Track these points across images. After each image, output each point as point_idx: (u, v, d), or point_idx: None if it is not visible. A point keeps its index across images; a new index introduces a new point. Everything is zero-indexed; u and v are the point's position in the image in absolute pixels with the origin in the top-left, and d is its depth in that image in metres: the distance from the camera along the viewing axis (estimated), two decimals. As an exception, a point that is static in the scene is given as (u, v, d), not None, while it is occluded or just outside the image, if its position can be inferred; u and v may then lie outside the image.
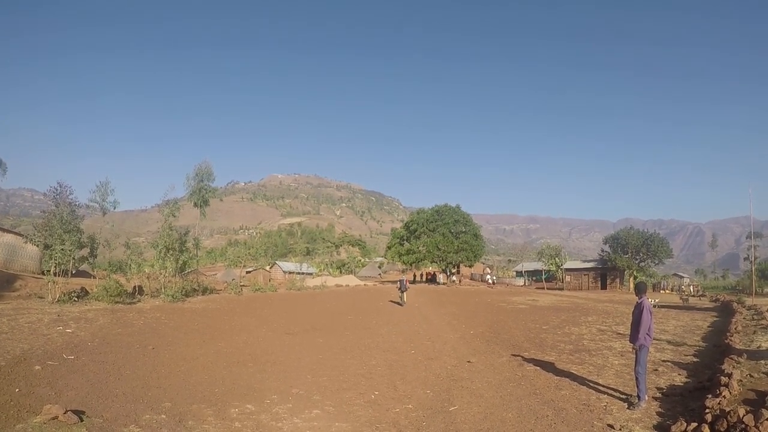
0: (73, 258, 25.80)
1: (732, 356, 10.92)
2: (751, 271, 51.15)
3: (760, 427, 6.17)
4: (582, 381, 10.82)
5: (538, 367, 12.33)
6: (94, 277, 32.91)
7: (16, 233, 42.99)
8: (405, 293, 31.18)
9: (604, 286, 64.96)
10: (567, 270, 69.94)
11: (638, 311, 9.35)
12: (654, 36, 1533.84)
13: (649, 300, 10.15)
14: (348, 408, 9.46)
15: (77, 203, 27.89)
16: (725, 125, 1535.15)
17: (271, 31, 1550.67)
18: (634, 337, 9.35)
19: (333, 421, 8.63)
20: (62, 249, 24.27)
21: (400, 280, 32.80)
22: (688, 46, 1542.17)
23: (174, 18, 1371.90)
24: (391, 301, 32.81)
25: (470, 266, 71.13)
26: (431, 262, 65.30)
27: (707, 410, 7.28)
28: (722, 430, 6.58)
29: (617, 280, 65.21)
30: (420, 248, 63.17)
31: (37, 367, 10.20)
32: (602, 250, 71.37)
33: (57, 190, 26.77)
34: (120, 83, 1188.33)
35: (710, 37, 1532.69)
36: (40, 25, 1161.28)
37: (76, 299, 23.37)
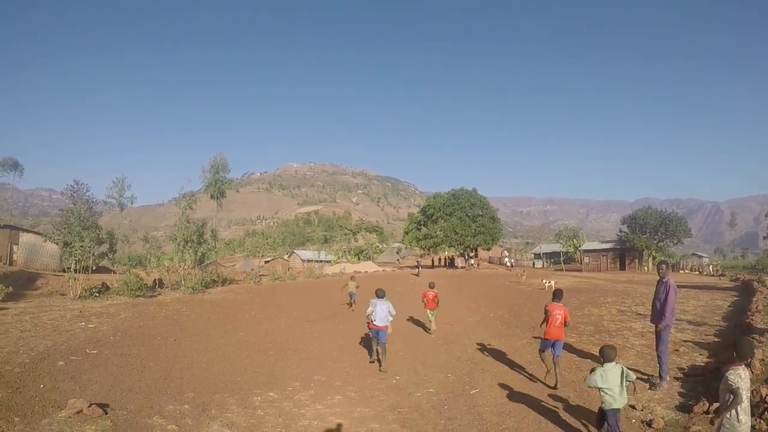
0: (93, 254, 26.07)
1: (753, 335, 10.72)
2: (772, 248, 50.03)
3: (787, 405, 6.05)
4: (603, 362, 10.71)
5: (559, 349, 12.23)
6: (115, 273, 33.26)
7: (35, 233, 43.75)
8: (420, 269, 48.21)
9: (623, 267, 64.11)
10: (585, 251, 69.20)
11: (665, 290, 8.89)
12: (667, 20, 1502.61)
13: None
14: (370, 393, 9.50)
15: (94, 200, 28.13)
16: (743, 104, 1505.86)
17: (284, 20, 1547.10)
18: (658, 317, 8.94)
19: (355, 407, 8.68)
20: (81, 246, 24.52)
21: (417, 261, 54.90)
22: (704, 30, 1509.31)
23: (189, 12, 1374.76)
24: (411, 274, 46.39)
25: (488, 249, 70.59)
26: (449, 247, 64.99)
27: (731, 389, 7.15)
28: (748, 408, 6.45)
29: (636, 260, 64.32)
30: (437, 233, 62.89)
31: (61, 363, 10.34)
32: (620, 231, 70.42)
33: (74, 188, 26.98)
34: (135, 78, 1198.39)
35: (725, 21, 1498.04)
36: (47, 23, 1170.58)
37: (97, 295, 23.69)
